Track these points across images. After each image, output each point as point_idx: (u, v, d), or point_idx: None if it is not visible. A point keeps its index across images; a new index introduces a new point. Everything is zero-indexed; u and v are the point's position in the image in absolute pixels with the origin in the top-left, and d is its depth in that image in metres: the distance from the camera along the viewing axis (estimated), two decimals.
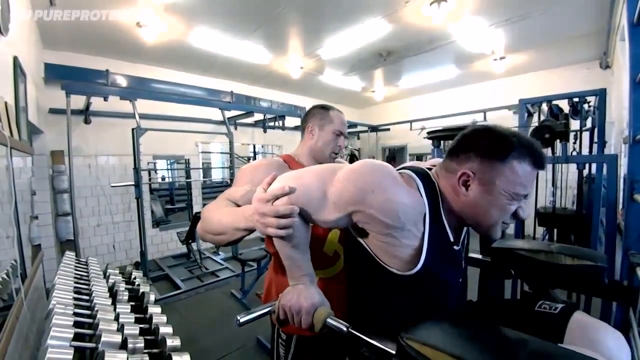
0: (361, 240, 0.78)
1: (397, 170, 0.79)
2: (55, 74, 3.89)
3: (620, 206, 2.47)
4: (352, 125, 7.10)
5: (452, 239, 0.79)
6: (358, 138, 8.19)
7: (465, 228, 0.87)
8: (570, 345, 0.70)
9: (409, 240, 0.72)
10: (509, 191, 0.70)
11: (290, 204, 0.71)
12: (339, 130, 1.22)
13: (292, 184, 0.73)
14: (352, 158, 7.53)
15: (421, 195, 0.74)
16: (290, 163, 1.17)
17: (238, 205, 0.94)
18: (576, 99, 2.64)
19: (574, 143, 2.87)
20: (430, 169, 0.82)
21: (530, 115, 3.16)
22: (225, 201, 0.96)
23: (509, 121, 5.00)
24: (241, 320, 0.73)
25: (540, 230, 3.54)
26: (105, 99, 3.68)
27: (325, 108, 1.25)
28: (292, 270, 0.80)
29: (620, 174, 2.53)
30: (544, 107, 2.80)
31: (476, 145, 0.73)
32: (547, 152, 2.86)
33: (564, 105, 2.72)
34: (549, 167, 3.19)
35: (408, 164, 0.89)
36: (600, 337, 0.71)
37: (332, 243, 1.08)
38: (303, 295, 0.75)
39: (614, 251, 1.94)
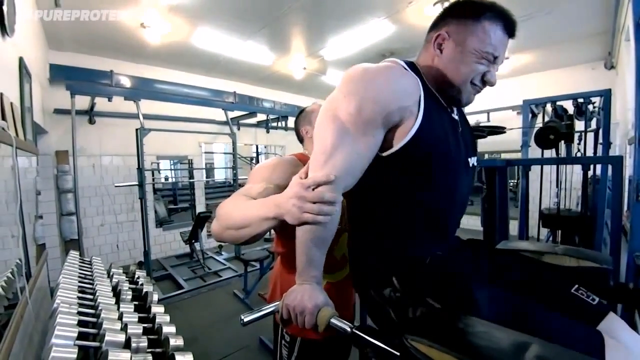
0: (385, 153, 0.77)
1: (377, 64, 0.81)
2: (60, 74, 3.92)
3: (626, 208, 2.45)
4: None
5: (444, 104, 0.83)
6: None
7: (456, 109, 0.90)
8: (608, 338, 0.67)
9: (416, 112, 0.75)
10: (479, 49, 0.75)
11: (334, 194, 0.69)
12: None
13: (327, 166, 0.71)
14: None
15: (407, 70, 0.78)
16: (305, 161, 1.15)
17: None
18: (581, 100, 2.64)
19: (579, 144, 2.85)
20: None
21: (534, 115, 3.15)
22: (242, 197, 0.93)
23: (513, 122, 4.97)
24: (245, 320, 0.73)
25: (544, 232, 3.52)
26: (110, 100, 3.71)
27: (303, 110, 1.23)
28: (305, 268, 0.78)
29: (625, 176, 2.51)
30: (549, 107, 2.79)
31: (453, 9, 0.79)
32: (552, 153, 2.85)
33: (569, 105, 2.71)
34: (553, 168, 3.17)
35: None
36: (629, 341, 0.70)
37: (342, 247, 1.07)
38: (307, 295, 0.75)
39: (619, 253, 1.92)
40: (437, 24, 0.82)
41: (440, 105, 0.81)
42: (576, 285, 0.81)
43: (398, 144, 0.74)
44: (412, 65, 0.81)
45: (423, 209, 0.80)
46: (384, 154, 0.76)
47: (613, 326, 0.73)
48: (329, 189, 0.69)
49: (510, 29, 0.76)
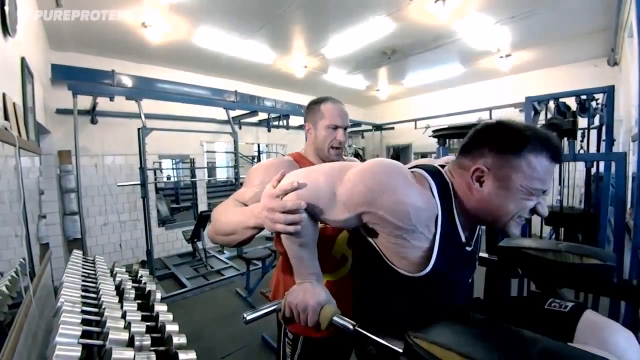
0: (371, 240, 0.77)
1: (409, 168, 0.77)
2: (62, 74, 3.93)
3: (629, 205, 2.44)
4: (357, 124, 7.09)
5: (464, 240, 0.77)
6: (362, 137, 8.17)
7: (478, 227, 0.85)
8: (580, 344, 0.69)
9: (420, 242, 0.70)
10: (526, 186, 0.67)
11: (299, 200, 0.71)
12: (333, 124, 1.13)
13: (301, 179, 0.73)
14: (356, 157, 7.52)
15: (433, 196, 0.71)
16: (300, 161, 1.15)
17: (247, 206, 0.94)
18: (584, 97, 2.61)
19: (582, 141, 2.83)
20: (442, 167, 0.80)
21: (537, 113, 3.13)
22: (234, 202, 0.96)
23: (515, 119, 4.95)
24: (248, 318, 0.73)
25: (547, 230, 3.51)
26: (111, 99, 3.71)
27: (317, 102, 1.18)
28: (299, 269, 0.80)
29: (628, 173, 2.49)
30: (551, 104, 2.77)
31: (489, 139, 0.71)
32: None
33: (572, 102, 2.68)
34: (556, 165, 3.15)
35: (420, 161, 0.87)
36: (611, 336, 0.70)
37: (340, 246, 1.07)
38: (309, 293, 0.75)
39: (623, 250, 1.91)
40: (471, 150, 0.73)
41: (457, 238, 0.75)
42: (550, 299, 0.84)
43: (403, 268, 0.73)
44: (445, 187, 0.74)
45: (425, 312, 0.78)
46: (398, 270, 0.74)
47: (593, 326, 0.74)
48: (292, 196, 0.72)
49: (556, 156, 0.68)
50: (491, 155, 0.70)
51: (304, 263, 0.79)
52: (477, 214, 0.74)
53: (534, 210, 0.71)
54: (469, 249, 0.79)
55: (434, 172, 0.76)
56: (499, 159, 0.69)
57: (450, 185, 0.75)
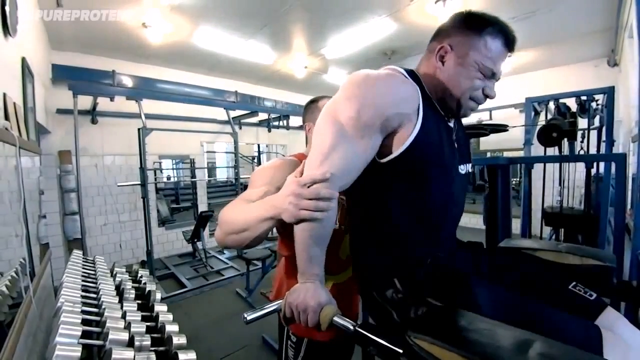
0: (383, 160, 0.78)
1: (378, 70, 0.82)
2: (62, 74, 3.93)
3: (629, 206, 2.44)
4: None
5: (442, 113, 0.84)
6: None
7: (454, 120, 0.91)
8: (606, 331, 0.69)
9: (415, 120, 0.76)
10: (479, 63, 0.77)
11: (333, 191, 0.71)
12: None
13: (323, 165, 0.72)
14: None
15: (407, 79, 0.80)
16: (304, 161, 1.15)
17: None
18: (584, 97, 2.62)
19: (582, 142, 2.84)
20: None
21: (537, 113, 3.14)
22: (242, 201, 0.94)
23: (515, 120, 4.96)
24: (248, 318, 0.73)
25: (547, 230, 3.51)
26: (112, 99, 3.71)
27: (315, 101, 1.19)
28: (305, 267, 0.78)
29: (628, 173, 2.50)
30: (551, 105, 2.78)
31: (456, 22, 0.81)
32: (555, 151, 2.83)
33: (572, 103, 2.69)
34: (556, 166, 3.16)
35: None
36: (627, 334, 0.71)
37: (346, 247, 1.07)
38: (310, 293, 0.75)
39: (623, 251, 1.91)
40: (439, 35, 0.84)
41: (437, 114, 0.83)
42: (574, 282, 0.83)
43: (396, 150, 0.76)
44: (412, 74, 0.83)
45: (419, 213, 0.82)
46: (383, 160, 0.78)
47: (611, 320, 0.75)
48: (326, 185, 0.71)
49: (510, 44, 0.79)
50: (456, 34, 0.80)
51: (312, 262, 0.77)
52: (438, 95, 0.83)
53: (485, 94, 0.82)
54: (450, 124, 0.88)
55: (400, 67, 0.84)
56: (462, 36, 0.79)
57: (416, 72, 0.85)
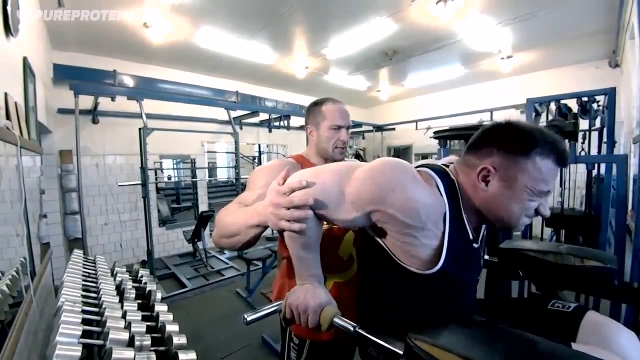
0: (378, 240, 0.77)
1: (415, 167, 0.77)
2: (63, 74, 3.94)
3: (630, 207, 2.43)
4: (357, 124, 7.09)
5: (471, 237, 0.77)
6: (363, 138, 8.18)
7: (484, 226, 0.85)
8: (583, 344, 0.70)
9: (429, 240, 0.70)
10: (531, 187, 0.68)
11: (306, 196, 0.71)
12: (335, 124, 1.13)
13: (309, 179, 0.73)
14: (357, 157, 7.51)
15: (440, 194, 0.72)
16: (303, 163, 1.15)
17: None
18: (585, 98, 2.61)
19: (583, 143, 2.83)
20: (447, 166, 0.80)
21: (538, 114, 3.12)
22: (237, 205, 0.95)
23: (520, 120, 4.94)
24: (248, 319, 0.73)
25: (547, 231, 3.50)
26: (113, 99, 3.72)
27: (318, 104, 1.18)
28: (300, 270, 0.80)
29: (629, 175, 2.49)
30: (552, 106, 2.76)
31: (499, 139, 0.72)
32: None
33: (573, 104, 2.68)
34: None
35: (424, 161, 0.86)
36: (613, 336, 0.71)
37: (347, 247, 1.07)
38: (310, 294, 0.75)
39: (624, 253, 1.91)
40: (479, 149, 0.74)
41: (465, 235, 0.75)
42: (553, 300, 0.85)
43: (411, 265, 0.72)
44: (451, 185, 0.74)
45: (431, 312, 0.78)
46: (405, 266, 0.74)
47: (594, 324, 0.75)
48: (300, 193, 0.71)
49: (562, 160, 0.70)
50: (499, 155, 0.70)
51: (306, 264, 0.79)
52: (481, 213, 0.75)
53: (536, 211, 0.72)
54: (476, 246, 0.80)
55: (440, 171, 0.76)
56: (507, 159, 0.69)
57: (456, 184, 0.75)
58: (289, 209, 0.71)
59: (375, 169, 0.70)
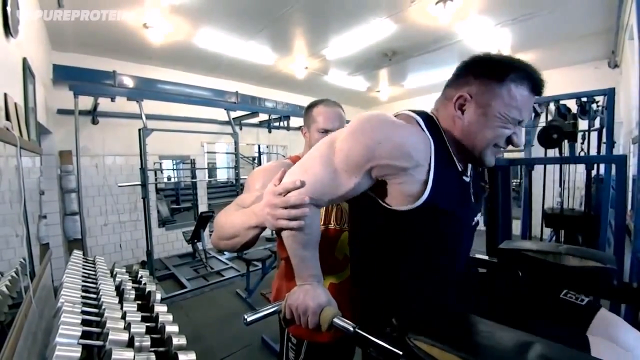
0: (380, 200, 0.77)
1: (394, 114, 0.79)
2: (63, 75, 3.94)
3: (629, 207, 2.43)
4: None
5: (460, 169, 0.79)
6: None
7: (470, 165, 0.86)
8: (595, 336, 0.70)
9: (422, 175, 0.71)
10: (504, 114, 0.70)
11: (302, 195, 0.71)
12: (323, 128, 1.13)
13: (300, 176, 0.73)
14: None
15: (423, 130, 0.74)
16: None
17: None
18: (584, 99, 2.61)
19: (582, 143, 2.84)
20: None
21: (537, 115, 3.13)
22: (235, 207, 0.95)
23: None
24: (248, 320, 0.73)
25: (547, 232, 3.50)
26: (113, 100, 3.72)
27: (312, 105, 1.18)
28: (300, 270, 0.80)
29: (629, 175, 2.49)
30: (552, 106, 2.77)
31: (475, 68, 0.74)
32: (555, 152, 2.83)
33: (572, 104, 2.69)
34: (557, 167, 3.15)
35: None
36: (621, 334, 0.71)
37: (342, 247, 1.07)
38: (310, 295, 0.75)
39: (623, 253, 1.91)
40: (457, 80, 0.77)
41: (453, 168, 0.78)
42: (565, 290, 0.85)
43: (404, 205, 0.73)
44: (431, 121, 0.77)
45: (426, 261, 0.80)
46: (392, 207, 0.75)
47: (606, 322, 0.75)
48: (295, 193, 0.72)
49: (537, 88, 0.72)
50: (475, 83, 0.73)
51: (305, 264, 0.79)
52: (459, 146, 0.77)
53: (509, 141, 0.75)
54: (466, 179, 0.82)
55: (418, 112, 0.79)
56: (482, 85, 0.72)
57: (435, 119, 0.78)
58: (286, 208, 0.71)
59: (355, 130, 0.72)
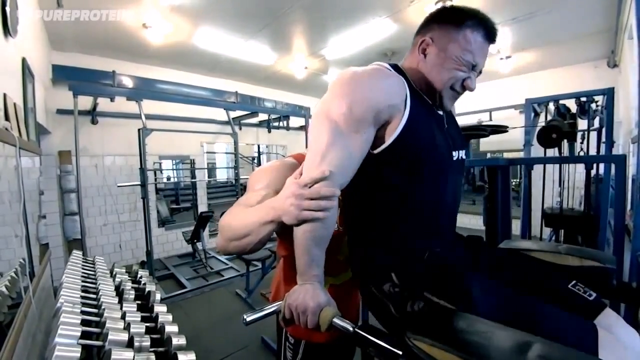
0: (378, 149, 0.80)
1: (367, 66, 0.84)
2: (62, 75, 3.94)
3: (629, 207, 2.44)
4: None
5: (430, 103, 0.86)
6: None
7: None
8: (602, 330, 0.69)
9: (403, 110, 0.78)
10: (459, 57, 0.78)
11: (334, 188, 0.72)
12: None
13: (323, 166, 0.73)
14: None
15: (395, 74, 0.81)
16: (302, 161, 1.15)
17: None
18: (584, 99, 2.62)
19: (582, 143, 2.84)
20: None
21: (537, 114, 3.14)
22: (240, 207, 0.93)
23: (515, 121, 4.95)
24: (248, 320, 0.73)
25: (547, 231, 3.51)
26: (112, 100, 3.72)
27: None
28: (305, 269, 0.78)
29: (628, 175, 2.49)
30: (551, 106, 2.78)
31: (437, 15, 0.83)
32: (555, 152, 2.84)
33: (571, 104, 2.69)
34: (556, 167, 3.16)
35: None
36: (622, 334, 0.71)
37: (345, 248, 1.07)
38: (309, 294, 0.75)
39: (622, 253, 1.91)
40: (422, 29, 0.86)
41: (425, 104, 0.85)
42: (574, 281, 0.83)
43: (388, 140, 0.78)
44: (396, 67, 0.85)
45: (415, 204, 0.83)
46: (375, 151, 0.79)
47: (610, 321, 0.74)
48: (326, 184, 0.72)
49: (490, 35, 0.79)
50: (437, 28, 0.81)
51: (313, 263, 0.77)
52: (422, 87, 0.84)
53: (464, 85, 0.82)
54: (440, 112, 0.89)
55: (383, 61, 0.86)
56: (442, 30, 0.80)
57: (400, 66, 0.87)
58: (314, 199, 0.71)
59: (344, 91, 0.76)
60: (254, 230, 0.81)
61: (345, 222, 0.95)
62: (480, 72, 0.84)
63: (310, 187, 0.72)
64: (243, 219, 0.84)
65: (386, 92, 0.76)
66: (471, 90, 0.83)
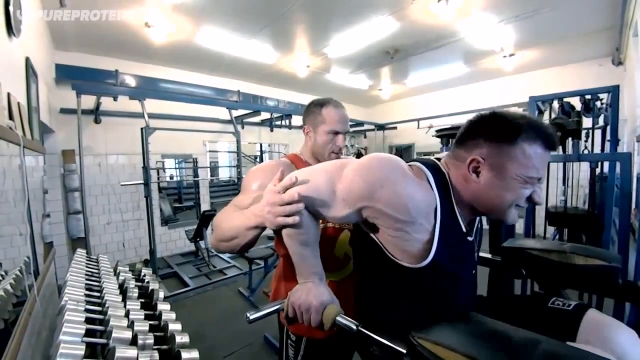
0: (372, 235, 0.78)
1: (407, 163, 0.78)
2: (66, 74, 3.95)
3: (634, 206, 2.42)
4: (359, 123, 7.08)
5: (464, 230, 0.77)
6: (365, 137, 8.16)
7: (477, 219, 0.85)
8: (583, 344, 0.69)
9: (420, 234, 0.71)
10: (521, 175, 0.68)
11: (294, 192, 0.73)
12: (334, 129, 1.11)
13: (300, 178, 0.75)
14: (359, 157, 7.48)
15: (432, 188, 0.72)
16: (297, 163, 1.15)
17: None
18: (588, 96, 2.59)
19: (586, 141, 2.81)
20: (439, 160, 0.81)
21: (541, 112, 3.11)
22: (233, 208, 0.96)
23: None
24: (251, 318, 0.73)
25: (550, 230, 3.49)
26: (115, 99, 3.73)
27: (319, 105, 1.15)
28: (301, 268, 0.80)
29: (633, 173, 2.47)
30: (555, 104, 2.75)
31: (484, 130, 0.72)
32: (559, 150, 2.81)
33: (576, 102, 2.67)
34: (560, 165, 3.14)
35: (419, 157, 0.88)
36: (613, 335, 0.70)
37: (342, 246, 1.07)
38: (312, 293, 0.75)
39: (627, 251, 1.90)
40: (466, 141, 0.75)
41: (458, 229, 0.76)
42: (553, 298, 0.85)
43: (406, 261, 0.74)
44: (442, 177, 0.75)
45: (427, 307, 0.79)
46: (398, 261, 0.75)
47: (595, 321, 0.75)
48: (292, 191, 0.73)
49: (550, 144, 0.69)
50: (486, 145, 0.71)
51: (306, 262, 0.79)
52: (474, 205, 0.75)
53: (530, 199, 0.72)
54: (470, 239, 0.80)
55: (431, 165, 0.77)
56: (494, 148, 0.70)
57: (447, 177, 0.76)
58: (281, 205, 0.73)
59: (364, 166, 0.72)
60: (240, 234, 0.86)
61: (360, 301, 0.93)
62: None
63: (281, 194, 0.74)
64: (231, 222, 0.89)
65: (397, 201, 0.68)
66: (540, 203, 0.74)
